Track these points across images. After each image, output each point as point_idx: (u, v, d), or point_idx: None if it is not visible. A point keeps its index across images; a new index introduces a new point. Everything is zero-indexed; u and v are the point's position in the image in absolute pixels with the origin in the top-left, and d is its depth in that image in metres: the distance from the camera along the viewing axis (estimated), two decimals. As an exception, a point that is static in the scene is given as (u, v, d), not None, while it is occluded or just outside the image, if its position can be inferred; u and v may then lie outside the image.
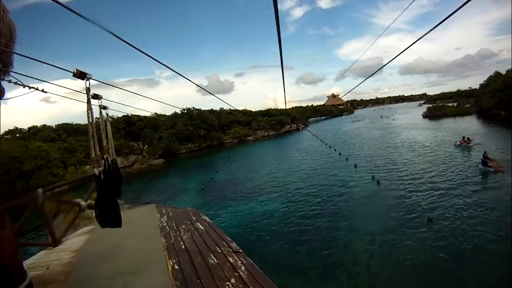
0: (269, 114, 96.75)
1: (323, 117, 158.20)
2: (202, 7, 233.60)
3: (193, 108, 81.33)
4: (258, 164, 42.44)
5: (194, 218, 10.29)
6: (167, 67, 5.43)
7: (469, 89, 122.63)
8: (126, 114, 72.47)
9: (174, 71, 5.51)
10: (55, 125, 68.28)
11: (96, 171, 4.76)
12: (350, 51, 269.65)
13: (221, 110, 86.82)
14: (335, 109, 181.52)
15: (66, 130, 66.12)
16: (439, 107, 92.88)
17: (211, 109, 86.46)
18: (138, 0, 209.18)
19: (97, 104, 7.10)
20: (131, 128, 72.63)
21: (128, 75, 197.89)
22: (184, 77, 6.44)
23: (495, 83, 73.51)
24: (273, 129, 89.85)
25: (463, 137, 37.31)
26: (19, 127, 62.98)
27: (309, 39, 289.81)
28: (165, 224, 9.22)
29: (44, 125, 66.38)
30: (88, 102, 4.91)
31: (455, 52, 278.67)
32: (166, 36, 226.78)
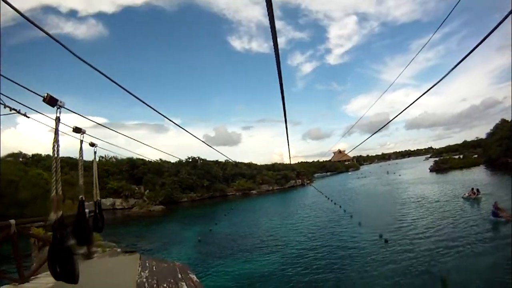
0: (274, 168, 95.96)
1: (328, 173, 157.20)
2: (212, 60, 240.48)
3: (198, 157, 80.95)
4: (260, 219, 40.46)
5: (180, 276, 8.98)
6: (170, 120, 6.02)
7: (475, 139, 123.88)
8: (131, 157, 72.25)
9: (177, 125, 6.09)
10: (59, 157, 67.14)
11: (52, 216, 4.08)
12: (357, 106, 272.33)
13: (226, 161, 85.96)
14: (341, 165, 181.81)
15: (69, 164, 64.96)
16: (445, 160, 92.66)
17: (216, 160, 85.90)
18: (150, 51, 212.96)
19: (79, 139, 6.47)
20: (134, 171, 71.73)
21: (138, 118, 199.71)
22: (186, 131, 7.13)
23: (502, 130, 72.87)
24: (277, 184, 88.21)
25: (472, 189, 35.96)
26: (24, 153, 63.00)
27: (317, 95, 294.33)
28: (144, 280, 8.04)
29: (48, 154, 65.26)
30: (56, 132, 4.48)
31: (460, 103, 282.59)
32: (177, 86, 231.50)
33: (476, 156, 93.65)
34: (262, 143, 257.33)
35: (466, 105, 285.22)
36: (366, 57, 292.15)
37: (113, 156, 73.23)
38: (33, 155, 63.22)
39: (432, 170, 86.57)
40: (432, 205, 34.62)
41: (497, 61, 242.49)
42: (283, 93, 3.01)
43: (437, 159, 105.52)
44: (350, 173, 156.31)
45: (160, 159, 77.91)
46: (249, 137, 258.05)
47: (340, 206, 41.60)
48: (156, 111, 5.12)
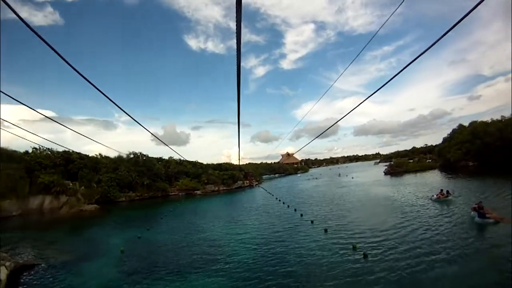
0: (221, 168, 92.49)
1: (277, 175, 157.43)
2: (166, 57, 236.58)
3: (140, 153, 75.95)
4: (202, 224, 36.25)
5: None
6: (124, 111, 5.52)
7: (425, 146, 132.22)
8: (67, 149, 66.48)
9: (131, 117, 5.83)
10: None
11: None
12: (306, 111, 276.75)
13: (170, 159, 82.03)
14: (289, 167, 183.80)
15: None
16: (400, 163, 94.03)
17: (160, 158, 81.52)
18: (104, 42, 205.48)
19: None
20: (69, 165, 65.74)
21: (86, 113, 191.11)
22: (140, 124, 6.78)
23: (461, 135, 77.24)
24: (224, 184, 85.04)
25: (441, 190, 35.50)
26: None
27: (268, 98, 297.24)
28: None
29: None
30: None
31: (408, 113, 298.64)
32: (126, 80, 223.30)
33: (429, 160, 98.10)
34: (210, 144, 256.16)
35: (414, 114, 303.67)
36: (320, 64, 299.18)
37: (48, 149, 67.12)
38: None
39: (387, 173, 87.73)
40: (403, 208, 32.76)
41: (449, 75, 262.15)
42: (239, 94, 3.16)
43: (387, 163, 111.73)
44: (299, 175, 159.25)
45: (100, 154, 72.60)
46: (198, 137, 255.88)
47: (295, 210, 38.80)
48: (109, 98, 4.91)
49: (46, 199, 56.69)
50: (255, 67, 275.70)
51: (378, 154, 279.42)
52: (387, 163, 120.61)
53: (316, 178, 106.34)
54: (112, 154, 75.72)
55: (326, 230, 25.75)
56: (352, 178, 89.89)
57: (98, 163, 68.66)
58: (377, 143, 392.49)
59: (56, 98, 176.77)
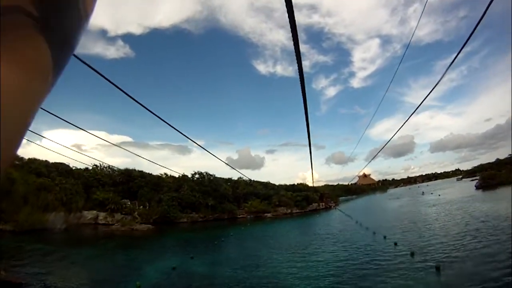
0: (295, 188, 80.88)
1: (354, 196, 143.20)
2: (237, 83, 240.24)
3: (206, 173, 67.67)
4: (263, 253, 27.82)
5: None
6: (191, 140, 6.46)
7: (509, 156, 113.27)
8: (128, 167, 61.36)
9: (198, 145, 6.61)
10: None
11: None
12: (381, 130, 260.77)
13: (239, 179, 72.63)
14: (367, 188, 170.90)
15: (59, 170, 54.89)
16: (492, 175, 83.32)
17: (229, 178, 72.78)
18: (175, 73, 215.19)
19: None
20: (130, 184, 60.01)
21: (162, 138, 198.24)
22: (208, 151, 7.30)
23: None
24: (297, 207, 73.34)
25: None
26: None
27: (341, 118, 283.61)
28: None
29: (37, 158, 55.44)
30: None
31: (485, 123, 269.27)
32: (201, 108, 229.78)
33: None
34: (285, 167, 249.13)
35: (491, 124, 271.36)
36: (389, 80, 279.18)
37: (109, 166, 62.53)
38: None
39: (478, 187, 78.13)
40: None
41: None
42: (307, 114, 3.02)
43: (471, 178, 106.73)
44: (378, 195, 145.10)
45: (165, 174, 66.18)
46: (273, 160, 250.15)
47: (385, 237, 28.88)
48: (178, 131, 5.30)
49: (100, 215, 52.93)
50: (326, 88, 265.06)
51: (458, 170, 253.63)
52: (471, 178, 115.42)
53: (398, 198, 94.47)
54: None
55: (438, 268, 17.78)
56: (439, 195, 77.76)
57: (160, 182, 62.06)
58: (455, 159, 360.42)
59: (133, 126, 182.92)
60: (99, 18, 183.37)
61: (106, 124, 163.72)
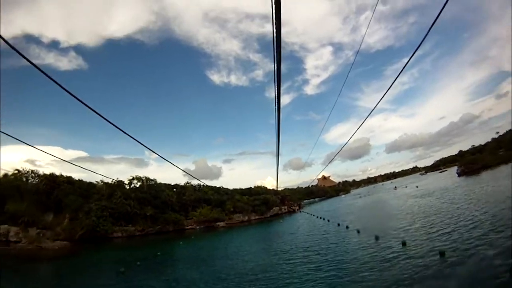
0: (252, 192, 71.03)
1: (317, 199, 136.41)
2: (191, 94, 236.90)
3: (145, 177, 57.12)
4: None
5: None
6: (153, 152, 6.49)
7: (472, 146, 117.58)
8: (53, 173, 50.12)
9: (161, 156, 6.84)
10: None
11: None
12: (336, 134, 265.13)
13: (186, 184, 62.62)
14: (330, 189, 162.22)
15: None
16: (473, 160, 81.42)
17: (175, 184, 62.73)
18: (129, 85, 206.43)
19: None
20: (54, 191, 48.53)
21: (118, 152, 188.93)
22: (170, 162, 7.68)
23: None
24: (256, 212, 63.89)
25: None
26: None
27: (296, 125, 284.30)
28: None
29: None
30: None
31: (439, 121, 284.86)
32: (155, 121, 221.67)
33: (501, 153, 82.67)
34: (243, 175, 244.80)
35: (445, 123, 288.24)
36: (342, 86, 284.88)
37: (33, 171, 50.97)
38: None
39: (461, 173, 76.41)
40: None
41: (471, 77, 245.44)
42: (279, 123, 3.33)
43: (442, 170, 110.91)
44: (343, 196, 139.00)
45: (101, 181, 54.16)
46: (230, 170, 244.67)
47: (404, 244, 20.29)
48: (136, 140, 5.09)
49: (11, 230, 41.75)
50: (280, 96, 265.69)
51: (416, 167, 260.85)
52: (439, 171, 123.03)
53: (369, 195, 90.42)
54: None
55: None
56: (417, 187, 74.35)
57: (90, 189, 50.86)
58: (411, 158, 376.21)
59: (88, 140, 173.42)
60: (51, 28, 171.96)
61: (61, 139, 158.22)
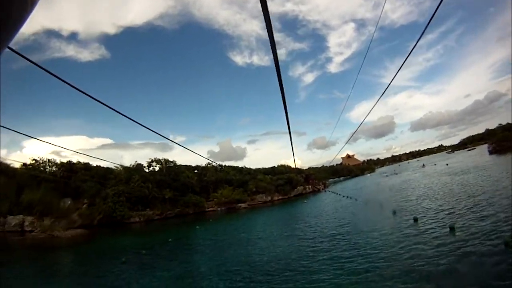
0: (275, 172, 67.88)
1: (341, 178, 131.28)
2: (215, 76, 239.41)
3: (164, 159, 54.45)
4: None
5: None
6: (171, 140, 5.99)
7: (500, 125, 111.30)
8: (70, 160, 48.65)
9: (180, 145, 6.38)
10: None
11: None
12: (361, 113, 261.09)
13: (207, 165, 59.65)
14: (354, 168, 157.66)
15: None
16: (507, 136, 75.66)
17: (196, 166, 60.08)
18: (153, 71, 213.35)
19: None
20: (72, 178, 47.01)
21: (143, 137, 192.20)
22: (187, 149, 6.76)
23: None
24: (279, 192, 60.91)
25: None
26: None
27: (320, 104, 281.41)
28: None
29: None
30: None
31: (464, 99, 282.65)
32: (181, 104, 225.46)
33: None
34: (268, 155, 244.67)
35: (470, 101, 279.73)
36: (366, 63, 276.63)
37: (49, 160, 49.69)
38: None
39: (492, 151, 74.27)
40: None
41: (497, 54, 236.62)
42: (285, 103, 2.88)
43: (471, 148, 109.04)
44: (369, 175, 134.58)
45: (120, 166, 52.33)
46: (255, 150, 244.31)
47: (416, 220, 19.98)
48: (155, 132, 4.69)
49: (26, 220, 41.38)
50: (304, 75, 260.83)
51: (441, 146, 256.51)
52: (467, 149, 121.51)
53: (397, 173, 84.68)
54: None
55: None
56: (447, 165, 71.13)
57: (107, 175, 49.09)
58: (436, 137, 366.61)
59: (113, 127, 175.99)
60: (69, 21, 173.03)
61: (86, 128, 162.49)
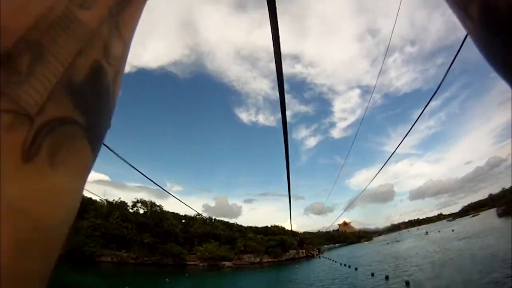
0: (267, 232, 63.75)
1: (337, 245, 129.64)
2: (218, 130, 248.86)
3: (150, 202, 50.80)
4: None
5: None
6: (163, 189, 7.08)
7: (503, 189, 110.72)
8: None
9: (171, 194, 7.16)
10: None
11: None
12: (361, 180, 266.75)
13: (196, 216, 55.51)
14: (351, 235, 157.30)
15: None
16: None
17: (184, 215, 56.40)
18: (159, 114, 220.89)
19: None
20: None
21: (140, 181, 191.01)
22: (181, 202, 7.97)
23: None
24: (269, 254, 55.84)
25: None
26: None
27: (320, 168, 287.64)
28: None
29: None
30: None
31: (465, 166, 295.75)
32: (182, 152, 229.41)
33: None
34: (263, 216, 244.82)
35: (471, 167, 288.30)
36: (369, 130, 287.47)
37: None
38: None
39: (501, 214, 73.65)
40: None
41: (498, 119, 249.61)
42: (288, 164, 3.16)
43: (474, 214, 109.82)
44: (365, 243, 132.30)
45: (105, 200, 48.46)
46: (251, 210, 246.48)
47: None
48: (151, 180, 5.26)
49: None
50: (306, 138, 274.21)
51: (441, 214, 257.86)
52: (467, 217, 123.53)
53: (398, 241, 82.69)
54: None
55: None
56: (453, 230, 69.51)
57: (88, 206, 45.06)
58: (435, 205, 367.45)
59: (110, 164, 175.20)
60: None
61: None
